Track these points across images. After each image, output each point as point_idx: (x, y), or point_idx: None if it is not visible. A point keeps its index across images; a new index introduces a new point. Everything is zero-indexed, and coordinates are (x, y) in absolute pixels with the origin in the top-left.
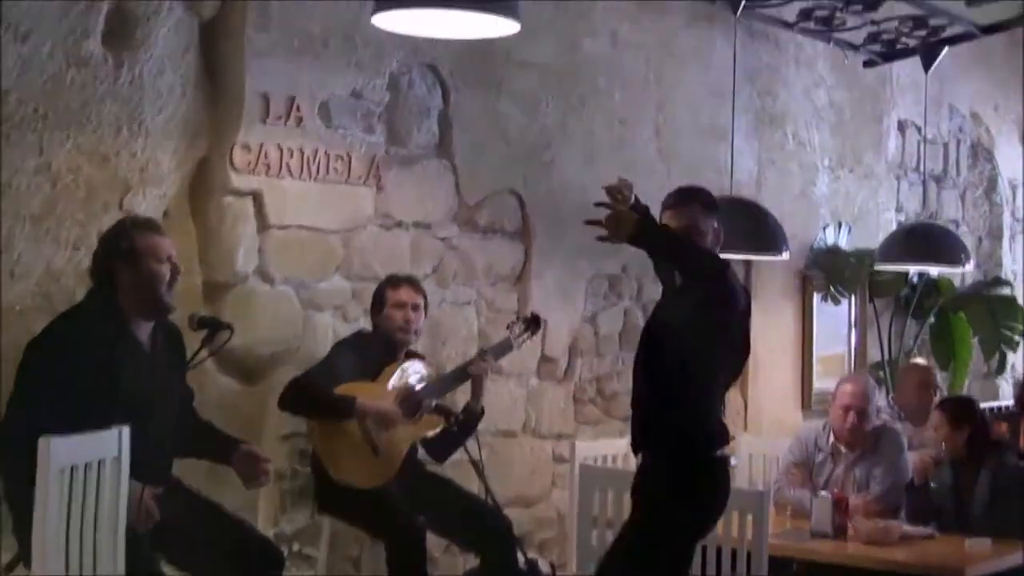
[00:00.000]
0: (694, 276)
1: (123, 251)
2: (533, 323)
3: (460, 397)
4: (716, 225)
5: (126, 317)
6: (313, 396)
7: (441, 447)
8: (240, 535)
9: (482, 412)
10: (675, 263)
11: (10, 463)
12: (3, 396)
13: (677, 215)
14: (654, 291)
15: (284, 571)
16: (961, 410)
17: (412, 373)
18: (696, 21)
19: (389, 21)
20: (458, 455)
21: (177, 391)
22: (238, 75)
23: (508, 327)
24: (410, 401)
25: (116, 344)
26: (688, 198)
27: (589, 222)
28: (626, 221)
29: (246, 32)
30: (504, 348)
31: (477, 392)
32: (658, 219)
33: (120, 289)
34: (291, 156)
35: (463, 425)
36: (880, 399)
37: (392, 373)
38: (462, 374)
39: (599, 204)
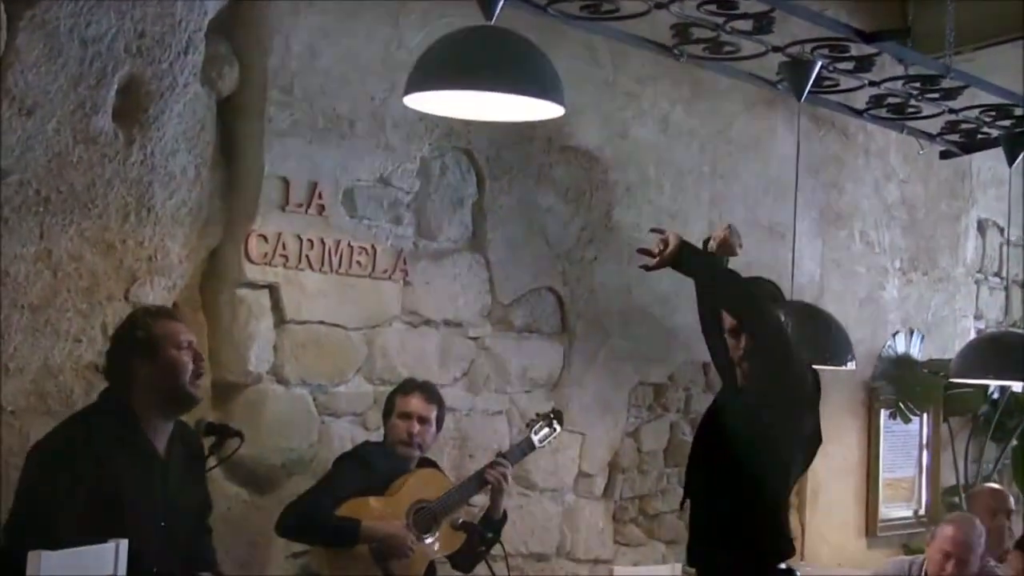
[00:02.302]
0: (748, 318)
1: (139, 341)
2: (555, 418)
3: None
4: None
5: (141, 419)
6: (313, 523)
7: (466, 558)
8: None
9: (504, 516)
10: (724, 299)
11: None
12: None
13: (728, 318)
14: (703, 403)
15: None
16: None
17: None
18: (756, 107)
19: (422, 102)
20: None
21: (194, 502)
22: (256, 157)
23: (528, 425)
24: (423, 516)
25: (128, 450)
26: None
27: (641, 251)
28: (674, 241)
29: (266, 111)
30: (524, 449)
31: (496, 502)
32: None
33: (136, 385)
34: (311, 247)
35: (490, 531)
36: (983, 546)
37: (402, 486)
38: (478, 482)
39: (654, 230)
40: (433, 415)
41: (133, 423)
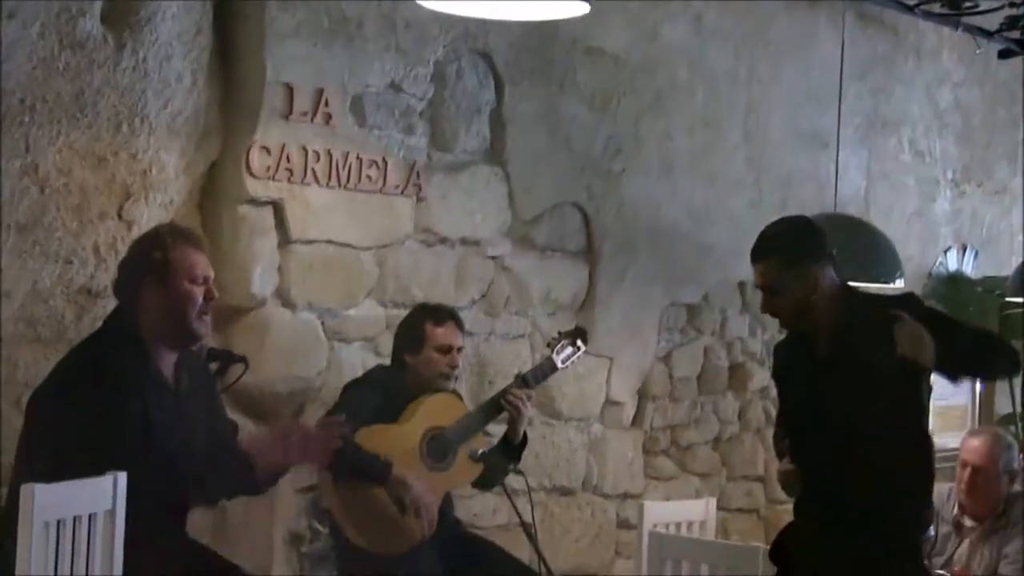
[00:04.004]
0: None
1: (154, 263)
2: (579, 336)
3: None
4: (811, 277)
5: (148, 345)
6: (341, 451)
7: (485, 479)
8: None
9: (525, 440)
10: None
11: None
12: None
13: (755, 272)
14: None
15: None
16: None
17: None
18: (796, 5)
19: (435, 0)
20: (505, 517)
21: (211, 430)
22: (257, 62)
23: (549, 344)
24: (437, 444)
25: (140, 381)
26: (762, 252)
27: None
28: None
29: (267, 11)
30: (545, 370)
31: (515, 428)
32: None
33: (143, 308)
34: (317, 160)
35: (507, 456)
36: (1018, 461)
37: (415, 412)
38: (495, 407)
39: None
40: (463, 342)
41: (142, 352)
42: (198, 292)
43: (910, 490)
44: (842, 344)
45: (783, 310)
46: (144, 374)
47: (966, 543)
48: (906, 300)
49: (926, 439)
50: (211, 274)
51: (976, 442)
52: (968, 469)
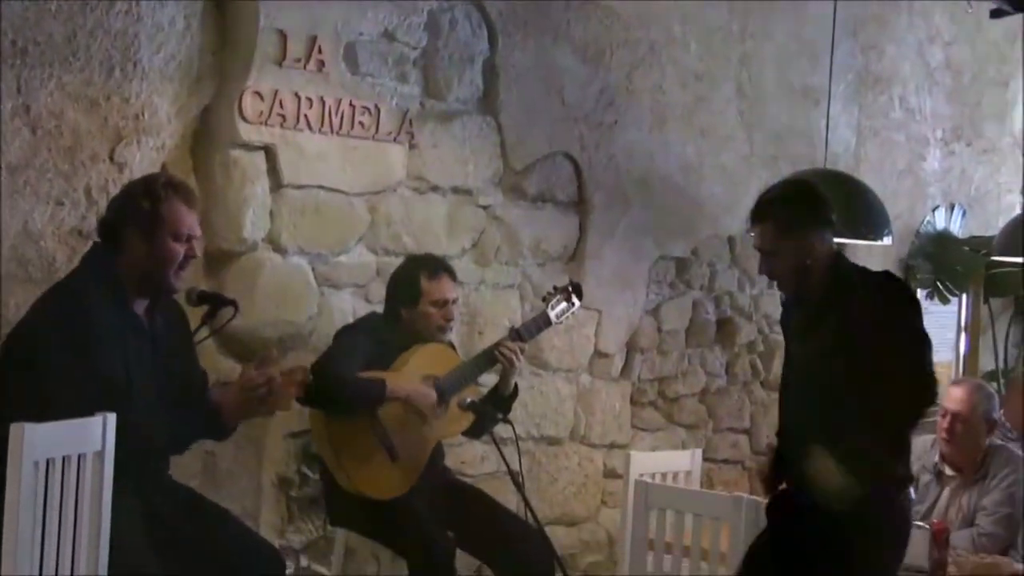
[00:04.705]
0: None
1: (142, 213)
2: (574, 291)
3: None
4: (808, 243)
5: (125, 289)
6: (337, 383)
7: (476, 428)
8: (236, 536)
9: (515, 392)
10: None
11: None
12: None
13: (754, 234)
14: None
15: None
16: None
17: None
18: None
19: None
20: (494, 465)
21: (182, 374)
22: (250, 8)
23: (544, 299)
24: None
25: (117, 322)
26: (761, 215)
27: None
28: None
29: None
30: (539, 324)
31: (506, 379)
32: None
33: (124, 253)
34: (310, 106)
35: (498, 407)
36: (997, 413)
37: (408, 361)
38: (488, 359)
39: None
40: (456, 293)
41: (120, 295)
42: (180, 250)
43: (877, 452)
44: (822, 309)
45: (779, 273)
46: (121, 316)
47: (946, 492)
48: (882, 286)
49: (901, 407)
50: (197, 233)
51: (958, 391)
52: (949, 416)
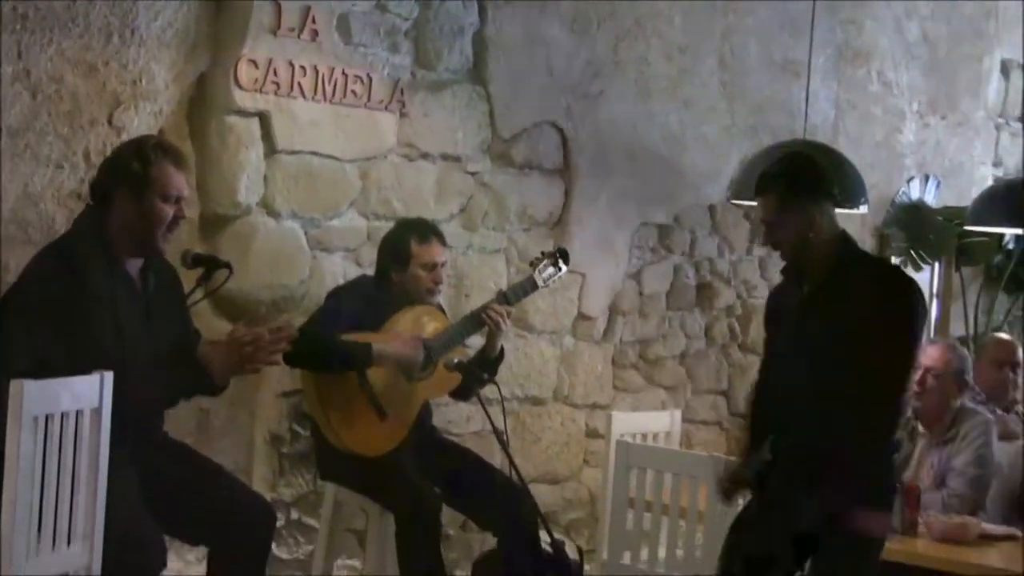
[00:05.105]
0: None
1: (131, 173)
2: (561, 257)
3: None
4: (809, 216)
5: (115, 249)
6: (324, 345)
7: (463, 388)
8: (230, 490)
9: (501, 354)
10: None
11: None
12: None
13: (758, 205)
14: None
15: (281, 544)
16: None
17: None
18: None
19: None
20: (479, 424)
21: (175, 334)
22: None
23: (531, 263)
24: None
25: (109, 282)
26: (764, 187)
27: None
28: None
29: None
30: (526, 288)
31: (492, 342)
32: None
33: (114, 214)
34: (304, 74)
35: (484, 368)
36: (971, 375)
37: (397, 323)
38: (475, 322)
39: None
40: (445, 256)
41: (111, 255)
42: (168, 211)
43: (867, 436)
44: (826, 290)
45: (782, 244)
46: (113, 276)
47: (917, 451)
48: (886, 282)
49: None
50: (185, 194)
51: (932, 349)
52: (921, 371)
